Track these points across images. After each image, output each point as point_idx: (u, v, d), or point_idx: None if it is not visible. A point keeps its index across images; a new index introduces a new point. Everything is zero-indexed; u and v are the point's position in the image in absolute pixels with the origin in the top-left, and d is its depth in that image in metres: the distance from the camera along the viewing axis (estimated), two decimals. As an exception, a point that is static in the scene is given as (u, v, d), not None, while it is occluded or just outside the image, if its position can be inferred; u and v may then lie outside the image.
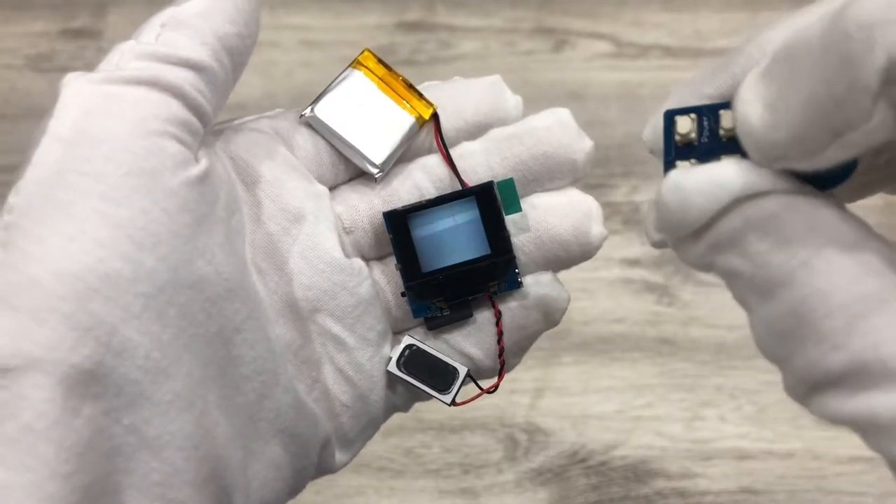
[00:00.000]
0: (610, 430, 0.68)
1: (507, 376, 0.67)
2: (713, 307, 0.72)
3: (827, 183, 0.26)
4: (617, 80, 0.84)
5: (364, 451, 0.64)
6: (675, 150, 0.28)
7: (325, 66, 0.84)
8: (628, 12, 0.89)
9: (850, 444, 0.67)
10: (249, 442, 0.33)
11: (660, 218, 0.27)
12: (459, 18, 0.88)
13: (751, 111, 0.26)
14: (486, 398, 0.66)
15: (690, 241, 0.27)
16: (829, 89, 0.23)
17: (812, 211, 0.25)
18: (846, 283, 0.25)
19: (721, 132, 0.28)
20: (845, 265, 0.25)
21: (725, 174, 0.26)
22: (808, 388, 0.26)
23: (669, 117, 0.28)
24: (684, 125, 0.28)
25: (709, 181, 0.26)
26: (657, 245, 0.30)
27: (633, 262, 0.75)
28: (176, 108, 0.32)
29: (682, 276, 0.74)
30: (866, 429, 0.25)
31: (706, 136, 0.27)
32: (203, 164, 0.32)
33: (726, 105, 0.28)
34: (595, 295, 0.73)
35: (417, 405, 0.61)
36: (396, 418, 0.64)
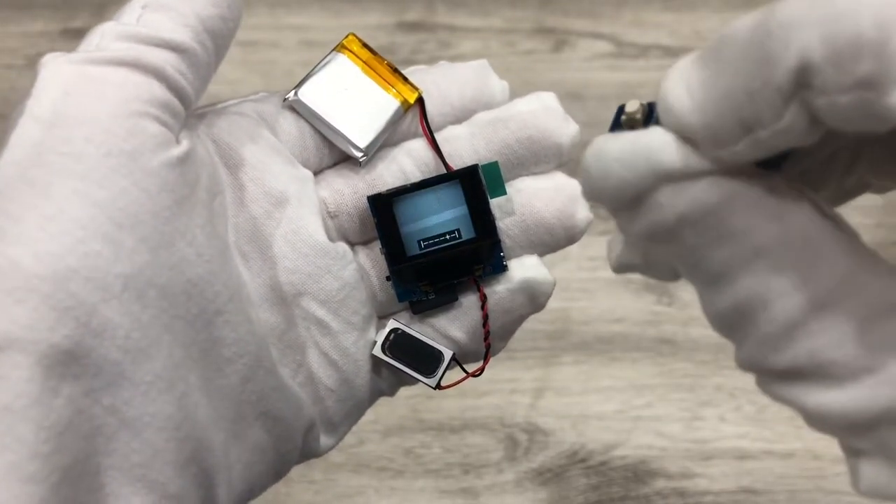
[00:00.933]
0: (610, 430, 0.67)
1: (506, 376, 0.68)
2: (713, 307, 0.72)
3: (767, 162, 0.25)
4: (617, 80, 0.84)
5: (364, 450, 0.65)
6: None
7: (325, 67, 0.85)
8: (628, 12, 0.89)
9: (851, 443, 0.66)
10: (232, 424, 0.33)
11: (583, 184, 0.26)
12: (459, 18, 0.88)
13: (672, 92, 0.25)
14: (485, 398, 0.66)
15: (626, 215, 0.26)
16: (746, 83, 0.23)
17: (754, 202, 0.25)
18: (786, 287, 0.24)
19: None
20: (787, 266, 0.24)
21: (652, 144, 0.25)
22: (752, 371, 0.26)
23: (620, 107, 0.27)
24: (632, 105, 0.27)
25: (632, 149, 0.25)
26: (619, 270, 0.30)
27: (634, 262, 0.74)
28: (157, 90, 0.32)
29: (682, 275, 0.73)
30: (802, 414, 0.25)
31: (653, 122, 0.26)
32: (184, 145, 0.32)
33: None
34: (595, 295, 0.73)
35: (416, 406, 0.61)
36: (397, 418, 0.63)
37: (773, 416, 0.67)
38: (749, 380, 0.65)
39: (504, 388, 0.69)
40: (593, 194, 0.26)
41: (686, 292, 0.73)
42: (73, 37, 0.87)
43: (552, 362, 0.70)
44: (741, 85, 0.23)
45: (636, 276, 0.73)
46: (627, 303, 0.73)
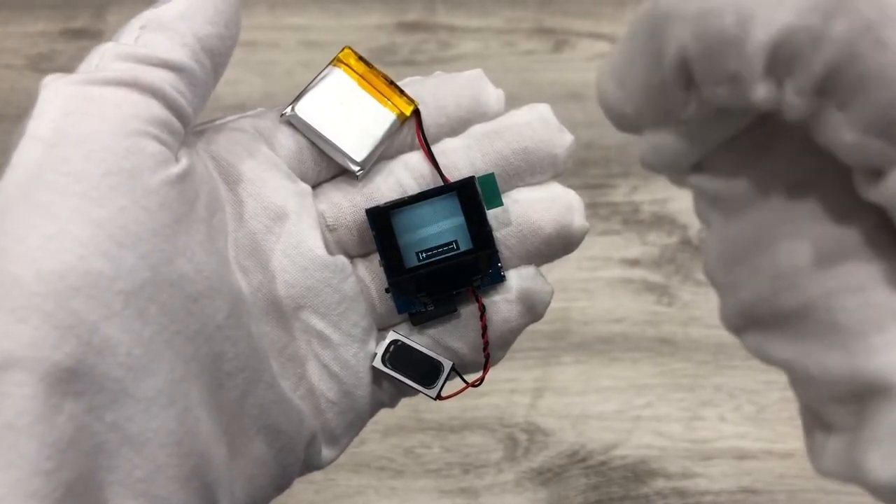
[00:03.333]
0: (610, 430, 0.68)
1: (506, 376, 0.68)
2: (713, 307, 0.71)
3: None
4: (617, 80, 0.84)
5: (364, 451, 0.65)
6: None
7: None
8: (628, 12, 0.89)
9: (850, 443, 0.66)
10: (233, 438, 0.33)
11: (647, 169, 0.27)
12: (459, 18, 0.88)
13: (606, 88, 0.25)
14: (485, 398, 0.67)
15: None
16: (649, 76, 0.24)
17: None
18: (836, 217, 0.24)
19: None
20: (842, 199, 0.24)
21: (703, 127, 0.25)
22: (749, 321, 0.25)
23: None
24: None
25: (687, 136, 0.25)
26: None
27: (633, 262, 0.74)
28: (156, 109, 0.32)
29: (681, 276, 0.73)
30: (791, 373, 0.25)
31: None
32: (183, 163, 0.32)
33: None
34: (595, 295, 0.73)
35: (416, 406, 0.61)
36: (396, 418, 0.64)
37: (773, 416, 0.67)
38: (749, 379, 0.65)
39: (504, 388, 0.69)
40: (658, 173, 0.26)
41: (686, 292, 0.73)
42: (73, 37, 0.87)
43: (552, 362, 0.70)
44: (646, 78, 0.24)
45: (636, 276, 0.73)
46: (627, 303, 0.73)
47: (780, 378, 0.26)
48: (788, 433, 0.67)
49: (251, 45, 0.85)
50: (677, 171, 0.26)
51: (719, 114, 0.24)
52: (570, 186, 0.38)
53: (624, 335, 0.71)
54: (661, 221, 0.76)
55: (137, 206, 0.30)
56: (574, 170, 0.36)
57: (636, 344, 0.71)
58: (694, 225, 0.76)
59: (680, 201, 0.77)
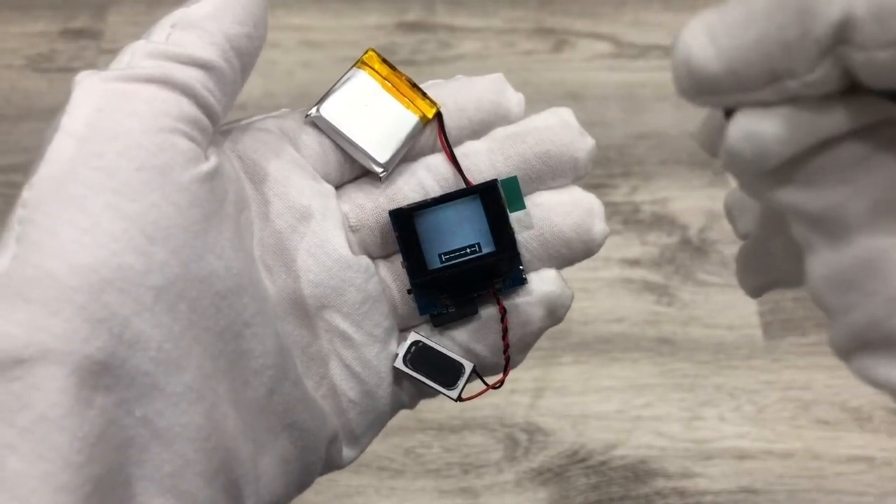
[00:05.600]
0: (610, 430, 0.68)
1: (509, 374, 0.68)
2: (713, 307, 0.72)
3: None
4: (617, 80, 0.85)
5: (364, 450, 0.65)
6: None
7: (325, 67, 0.85)
8: (628, 12, 0.89)
9: (850, 444, 0.67)
10: (259, 435, 0.34)
11: (728, 164, 0.26)
12: (459, 18, 0.89)
13: (694, 40, 0.25)
14: (485, 397, 0.67)
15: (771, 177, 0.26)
16: (782, 33, 0.23)
17: None
18: None
19: None
20: None
21: (818, 112, 0.24)
22: (860, 344, 0.25)
23: None
24: None
25: (791, 124, 0.24)
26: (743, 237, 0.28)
27: (633, 262, 0.75)
28: (186, 106, 0.32)
29: (681, 276, 0.74)
30: None
31: None
32: (212, 161, 0.33)
33: None
34: (595, 295, 0.73)
35: (418, 406, 0.61)
36: (396, 418, 0.64)
37: (773, 416, 0.68)
38: (749, 379, 0.65)
39: (504, 388, 0.69)
40: (742, 170, 0.26)
41: (686, 292, 0.73)
42: (74, 37, 0.87)
43: (552, 362, 0.71)
44: (775, 34, 0.23)
45: (636, 276, 0.74)
46: (627, 303, 0.73)
47: (780, 378, 0.26)
48: (788, 433, 0.67)
49: (251, 45, 0.85)
50: (763, 166, 0.25)
51: (828, 101, 0.24)
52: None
53: (624, 335, 0.72)
54: (661, 221, 0.76)
55: (168, 202, 0.30)
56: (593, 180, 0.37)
57: (636, 344, 0.72)
58: (694, 225, 0.76)
59: (680, 201, 0.77)
